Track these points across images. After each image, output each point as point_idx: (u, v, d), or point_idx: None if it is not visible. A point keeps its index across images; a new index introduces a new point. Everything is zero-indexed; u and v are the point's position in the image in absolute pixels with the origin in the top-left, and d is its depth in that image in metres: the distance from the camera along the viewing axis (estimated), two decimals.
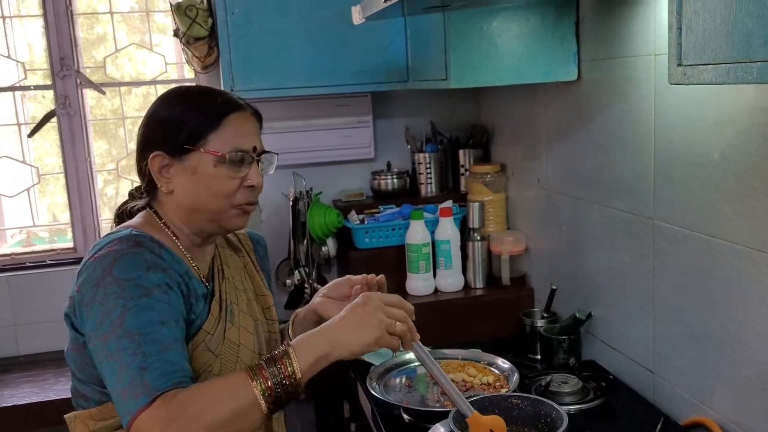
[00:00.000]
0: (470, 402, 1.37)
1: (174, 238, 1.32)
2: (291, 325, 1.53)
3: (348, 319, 1.22)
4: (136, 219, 1.35)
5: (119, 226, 1.33)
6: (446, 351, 1.95)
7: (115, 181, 2.85)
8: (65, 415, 1.33)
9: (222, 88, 2.24)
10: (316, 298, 1.52)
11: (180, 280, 1.24)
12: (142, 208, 1.37)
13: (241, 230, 1.54)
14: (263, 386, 1.13)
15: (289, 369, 1.14)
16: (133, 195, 1.43)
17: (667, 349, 1.68)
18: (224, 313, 1.34)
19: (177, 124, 1.28)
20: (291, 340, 1.51)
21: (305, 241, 2.53)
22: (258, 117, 1.38)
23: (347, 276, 1.51)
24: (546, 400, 1.39)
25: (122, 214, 1.41)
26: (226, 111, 1.29)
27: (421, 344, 1.30)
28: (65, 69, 2.58)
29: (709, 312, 1.52)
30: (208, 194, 1.29)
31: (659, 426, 1.48)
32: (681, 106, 1.55)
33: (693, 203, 1.54)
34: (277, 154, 1.41)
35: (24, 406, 2.24)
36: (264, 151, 1.36)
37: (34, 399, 2.26)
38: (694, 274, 1.55)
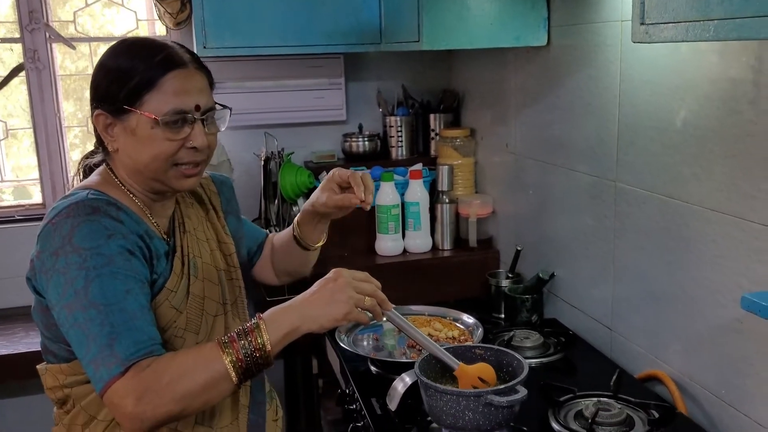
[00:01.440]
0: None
1: (131, 195, 1.31)
2: (298, 226, 1.57)
3: (318, 294, 1.25)
4: (94, 177, 1.34)
5: (76, 187, 1.32)
6: (413, 307, 2.00)
7: (81, 144, 2.82)
8: (37, 366, 1.35)
9: (194, 46, 2.24)
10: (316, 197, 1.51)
11: (141, 243, 1.24)
12: (100, 163, 1.36)
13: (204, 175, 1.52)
14: (234, 358, 1.15)
15: (259, 341, 1.17)
16: (96, 148, 1.40)
17: (625, 307, 1.75)
18: (187, 269, 1.34)
19: (117, 80, 1.24)
20: (299, 236, 1.57)
21: (276, 200, 2.55)
22: (206, 72, 1.32)
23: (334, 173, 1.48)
24: (508, 350, 1.44)
25: (85, 168, 1.41)
26: (164, 69, 1.23)
27: (395, 312, 1.34)
28: (34, 22, 2.54)
29: (665, 271, 1.59)
30: (149, 155, 1.26)
31: (614, 377, 1.55)
32: (646, 71, 1.59)
33: (654, 166, 1.59)
34: (230, 108, 1.36)
35: None
36: (211, 108, 1.31)
37: (4, 351, 2.26)
38: (653, 235, 1.62)
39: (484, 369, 1.39)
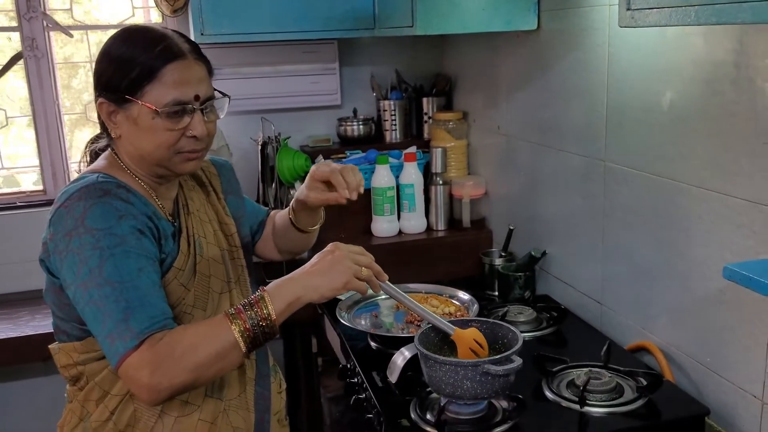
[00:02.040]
0: (432, 327, 1.49)
1: (136, 178, 1.35)
2: (293, 211, 1.61)
3: (318, 266, 1.30)
4: (101, 161, 1.38)
5: (85, 171, 1.36)
6: (410, 285, 2.06)
7: (69, 134, 2.84)
8: (50, 345, 1.39)
9: (191, 33, 2.28)
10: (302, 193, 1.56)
11: (150, 223, 1.28)
12: (105, 147, 1.40)
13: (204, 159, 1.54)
14: (242, 328, 1.20)
15: (264, 311, 1.22)
16: (100, 133, 1.43)
17: (615, 282, 1.82)
18: (193, 248, 1.39)
19: (118, 70, 1.27)
20: (294, 222, 1.62)
21: (274, 184, 2.60)
22: (205, 61, 1.35)
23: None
24: (502, 323, 1.51)
25: (92, 153, 1.44)
26: (164, 61, 1.26)
27: (389, 283, 1.40)
28: (31, 11, 2.57)
29: (653, 246, 1.65)
30: (151, 145, 1.30)
31: (604, 348, 1.62)
32: (633, 54, 1.65)
33: (641, 145, 1.65)
34: (229, 96, 1.40)
35: (1, 341, 2.29)
36: (210, 98, 1.34)
37: (11, 335, 2.31)
38: (640, 212, 1.68)
39: (476, 332, 1.46)
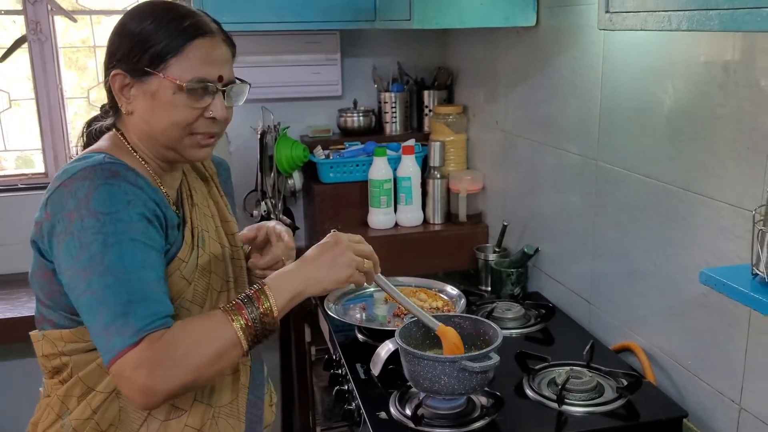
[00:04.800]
0: (415, 322, 1.50)
1: (143, 162, 1.29)
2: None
3: (322, 259, 1.27)
4: (104, 142, 1.30)
5: (88, 150, 1.28)
6: (400, 278, 2.06)
7: (85, 115, 2.88)
8: (31, 333, 1.31)
9: None
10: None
11: (159, 211, 1.22)
12: (108, 128, 1.34)
13: None
14: (243, 324, 1.16)
15: (265, 305, 1.18)
16: (104, 110, 1.37)
17: (604, 282, 1.82)
18: (196, 240, 1.34)
19: (141, 42, 1.22)
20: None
21: (272, 173, 2.61)
22: (231, 44, 1.31)
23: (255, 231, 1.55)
24: (485, 320, 1.51)
25: (90, 133, 1.37)
26: (192, 35, 1.22)
27: (382, 276, 1.38)
28: None
29: (641, 247, 1.65)
30: (166, 121, 1.24)
31: (587, 347, 1.62)
32: (626, 54, 1.64)
33: (632, 146, 1.65)
34: (249, 84, 1.36)
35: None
36: (232, 81, 1.30)
37: (8, 315, 2.35)
38: (629, 213, 1.68)
39: (454, 333, 1.46)
